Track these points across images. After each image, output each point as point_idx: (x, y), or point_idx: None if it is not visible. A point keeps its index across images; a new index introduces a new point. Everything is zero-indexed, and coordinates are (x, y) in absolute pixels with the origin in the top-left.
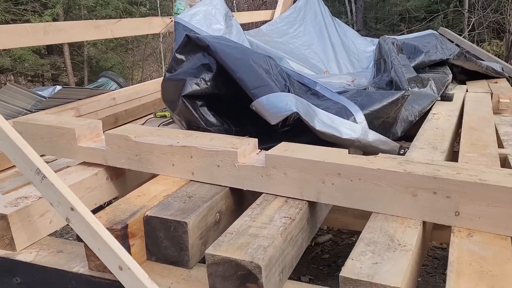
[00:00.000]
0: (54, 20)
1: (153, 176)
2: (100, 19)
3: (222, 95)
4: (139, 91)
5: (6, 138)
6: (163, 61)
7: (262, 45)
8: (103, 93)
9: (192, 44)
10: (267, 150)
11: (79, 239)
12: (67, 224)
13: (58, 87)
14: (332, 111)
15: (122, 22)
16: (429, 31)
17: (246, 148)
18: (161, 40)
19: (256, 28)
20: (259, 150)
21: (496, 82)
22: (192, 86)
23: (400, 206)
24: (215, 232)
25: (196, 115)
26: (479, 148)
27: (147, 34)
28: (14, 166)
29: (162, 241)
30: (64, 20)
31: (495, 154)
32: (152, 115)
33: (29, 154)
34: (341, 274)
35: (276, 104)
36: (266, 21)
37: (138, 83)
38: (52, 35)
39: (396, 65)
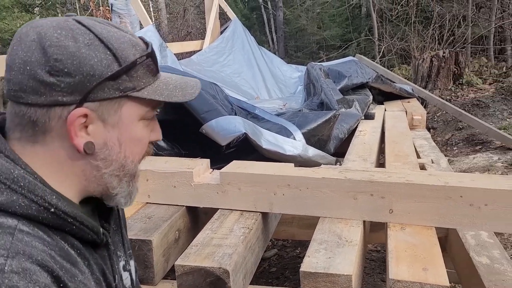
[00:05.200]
0: None
1: None
2: None
3: (171, 121)
4: None
5: None
6: None
7: (195, 74)
8: None
9: None
10: (216, 170)
11: None
12: None
13: None
14: (273, 132)
15: None
16: (350, 57)
17: (200, 168)
18: None
19: (186, 58)
20: (212, 169)
21: (408, 102)
22: None
23: (343, 209)
24: (175, 249)
25: None
26: (401, 158)
27: None
28: None
29: None
30: None
31: (415, 162)
32: None
33: None
34: (301, 269)
35: (225, 127)
36: (195, 51)
37: None
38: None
39: (326, 88)
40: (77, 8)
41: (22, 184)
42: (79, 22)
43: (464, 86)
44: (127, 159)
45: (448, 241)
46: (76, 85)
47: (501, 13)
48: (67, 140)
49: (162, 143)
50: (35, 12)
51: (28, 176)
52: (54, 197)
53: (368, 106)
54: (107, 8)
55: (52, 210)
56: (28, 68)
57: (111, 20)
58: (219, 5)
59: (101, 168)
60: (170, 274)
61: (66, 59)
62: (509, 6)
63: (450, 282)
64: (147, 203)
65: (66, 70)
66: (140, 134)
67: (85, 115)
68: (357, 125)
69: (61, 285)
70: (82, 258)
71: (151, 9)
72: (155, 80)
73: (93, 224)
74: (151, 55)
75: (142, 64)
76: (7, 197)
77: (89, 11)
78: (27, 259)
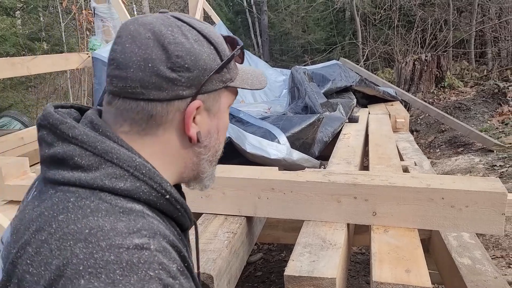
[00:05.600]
0: None
1: None
2: None
3: None
4: None
5: None
6: (71, 96)
7: None
8: (9, 133)
9: None
10: None
11: None
12: None
13: None
14: (257, 135)
15: (38, 59)
16: (333, 61)
17: None
18: (68, 77)
19: None
20: None
21: (392, 105)
22: None
23: (327, 212)
24: None
25: None
26: (384, 161)
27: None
28: None
29: None
30: None
31: (398, 165)
32: None
33: None
34: (285, 273)
35: None
36: None
37: None
38: None
39: (310, 92)
40: (60, 11)
41: (144, 171)
42: (179, 19)
43: (446, 89)
44: (220, 145)
45: (431, 243)
46: (194, 79)
47: (482, 18)
48: (179, 131)
49: None
50: (16, 15)
51: (147, 164)
52: (168, 184)
53: (352, 109)
54: (90, 11)
55: (167, 196)
56: (150, 65)
57: (93, 23)
58: (204, 8)
59: (202, 154)
60: None
61: (186, 55)
62: (489, 10)
63: (432, 283)
64: None
65: (186, 65)
66: (227, 120)
67: (198, 107)
68: (341, 128)
69: (185, 264)
70: (182, 244)
71: (135, 13)
72: (238, 70)
73: (190, 211)
74: (243, 48)
75: (236, 56)
76: (131, 183)
77: (72, 14)
78: (163, 239)
